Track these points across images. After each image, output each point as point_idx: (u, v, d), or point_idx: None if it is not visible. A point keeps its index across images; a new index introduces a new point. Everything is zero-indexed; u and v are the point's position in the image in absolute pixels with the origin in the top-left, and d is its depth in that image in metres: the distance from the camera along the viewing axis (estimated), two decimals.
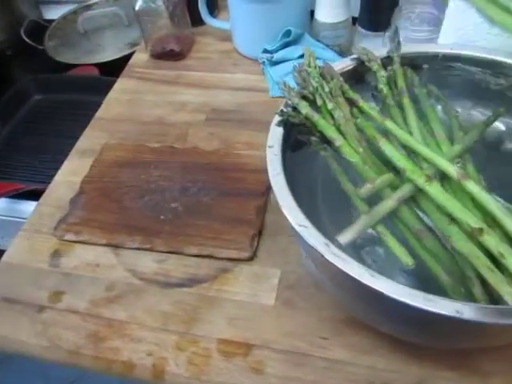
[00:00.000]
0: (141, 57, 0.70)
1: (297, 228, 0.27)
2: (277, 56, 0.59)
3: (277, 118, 0.35)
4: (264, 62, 0.61)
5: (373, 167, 0.32)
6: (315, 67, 0.35)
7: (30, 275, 0.45)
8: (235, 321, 0.40)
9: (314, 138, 0.35)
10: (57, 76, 0.80)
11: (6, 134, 0.75)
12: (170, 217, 0.48)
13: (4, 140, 0.74)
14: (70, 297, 0.43)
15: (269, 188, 0.48)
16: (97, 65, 0.80)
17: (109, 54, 0.81)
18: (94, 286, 0.44)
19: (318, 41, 0.61)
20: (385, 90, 0.37)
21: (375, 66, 0.37)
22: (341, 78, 0.36)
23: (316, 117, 0.34)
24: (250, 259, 0.43)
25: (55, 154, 0.70)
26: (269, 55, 0.60)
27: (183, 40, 0.67)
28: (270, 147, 0.32)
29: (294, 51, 0.59)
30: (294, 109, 0.35)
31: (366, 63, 0.38)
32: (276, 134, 0.34)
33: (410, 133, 0.33)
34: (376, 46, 0.56)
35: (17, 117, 0.78)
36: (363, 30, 0.56)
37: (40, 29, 0.90)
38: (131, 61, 0.69)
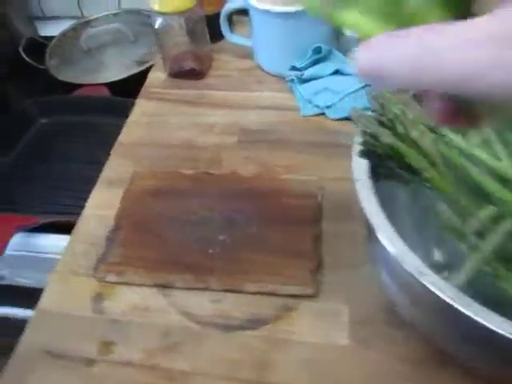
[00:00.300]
0: (157, 76, 0.67)
1: (417, 276, 0.25)
2: (307, 73, 0.57)
3: (358, 148, 0.33)
4: (292, 79, 0.59)
5: (465, 199, 0.30)
6: (391, 93, 0.33)
7: (73, 324, 0.41)
8: (310, 365, 0.37)
9: (397, 169, 0.33)
10: (63, 97, 0.76)
11: (10, 161, 0.70)
12: (219, 251, 0.45)
13: (10, 169, 0.69)
14: (122, 347, 0.40)
15: (319, 215, 0.46)
16: (105, 84, 0.76)
17: (115, 73, 0.78)
18: (146, 333, 0.40)
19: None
20: None
21: None
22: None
23: (402, 146, 0.32)
24: (314, 295, 0.41)
25: (67, 180, 0.67)
26: (298, 73, 0.58)
27: (202, 58, 0.64)
28: (358, 180, 0.30)
29: (324, 68, 0.57)
30: (372, 137, 0.33)
31: None
32: (361, 165, 0.32)
33: (499, 159, 0.32)
34: None
35: (21, 143, 0.73)
36: None
37: (38, 47, 0.85)
38: (148, 81, 0.66)
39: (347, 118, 0.56)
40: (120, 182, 0.52)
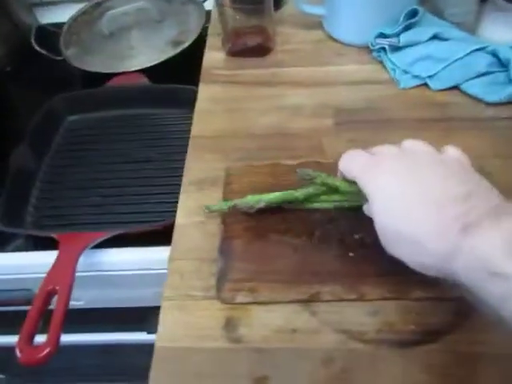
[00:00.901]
0: (214, 56, 0.58)
1: None
2: (403, 40, 0.50)
3: None
4: (382, 48, 0.52)
5: None
6: None
7: (208, 359, 0.34)
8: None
9: None
10: (94, 90, 0.66)
11: (46, 168, 0.60)
12: (361, 252, 0.38)
13: (46, 177, 0.59)
14: (279, 382, 0.33)
15: None
16: (140, 71, 0.66)
17: (150, 57, 0.68)
18: (303, 360, 0.33)
19: (443, 19, 0.52)
20: None
21: None
22: None
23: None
24: None
25: (117, 184, 0.57)
26: (391, 40, 0.51)
27: (268, 31, 0.56)
28: None
29: (422, 33, 0.50)
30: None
31: None
32: None
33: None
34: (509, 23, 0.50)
35: (53, 146, 0.63)
36: (503, 3, 0.49)
37: (47, 36, 0.74)
38: (205, 62, 0.57)
39: (453, 87, 0.50)
40: (212, 181, 0.44)
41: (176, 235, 0.41)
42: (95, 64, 0.69)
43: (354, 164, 0.34)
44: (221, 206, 0.40)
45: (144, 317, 0.54)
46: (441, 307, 0.35)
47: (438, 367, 0.32)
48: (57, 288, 0.42)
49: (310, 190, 0.39)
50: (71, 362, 0.70)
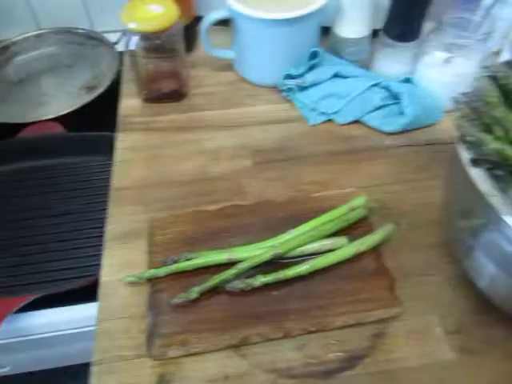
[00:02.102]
0: (131, 103, 0.58)
1: None
2: (308, 80, 0.54)
3: (470, 162, 0.30)
4: (290, 88, 0.56)
5: None
6: (497, 96, 0.32)
7: None
8: None
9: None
10: (6, 142, 0.63)
11: None
12: (286, 289, 0.40)
13: None
14: None
15: (372, 227, 0.44)
16: (55, 119, 0.64)
17: (64, 105, 0.66)
18: None
19: (341, 58, 0.57)
20: None
21: None
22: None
23: (509, 150, 0.30)
24: (400, 314, 0.39)
25: (37, 241, 0.55)
26: (297, 81, 0.55)
27: (181, 76, 0.57)
28: (493, 196, 0.28)
29: (323, 73, 0.55)
30: (475, 144, 0.31)
31: (504, 81, 0.35)
32: (483, 179, 0.29)
33: None
34: (402, 59, 0.56)
35: None
36: (390, 41, 0.55)
37: None
38: (122, 110, 0.57)
39: (356, 121, 0.55)
40: (136, 234, 0.44)
41: (102, 294, 0.41)
42: (5, 113, 0.66)
43: None
44: (140, 275, 0.40)
45: (78, 373, 0.52)
46: (359, 332, 0.38)
47: None
48: None
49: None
50: None
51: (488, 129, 0.32)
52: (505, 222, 0.27)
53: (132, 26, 0.49)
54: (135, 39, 0.51)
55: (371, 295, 0.39)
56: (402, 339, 0.37)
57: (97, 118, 0.63)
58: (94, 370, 0.36)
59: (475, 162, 0.30)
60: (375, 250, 0.42)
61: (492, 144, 0.30)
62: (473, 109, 0.32)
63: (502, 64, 0.36)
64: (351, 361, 0.36)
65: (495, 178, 0.30)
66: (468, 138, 0.30)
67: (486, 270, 0.32)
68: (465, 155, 0.30)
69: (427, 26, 0.53)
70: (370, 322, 0.38)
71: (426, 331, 0.38)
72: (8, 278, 0.52)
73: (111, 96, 0.62)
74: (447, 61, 0.51)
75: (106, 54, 0.73)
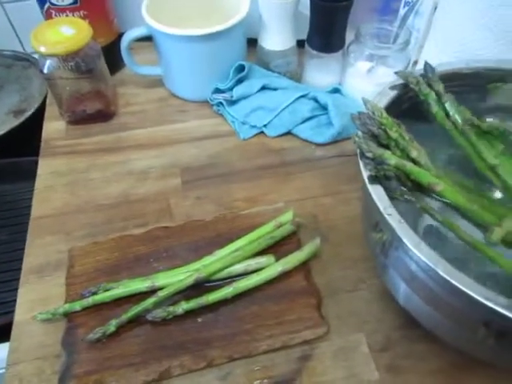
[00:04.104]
0: (54, 126, 0.56)
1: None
2: (236, 94, 0.53)
3: (368, 177, 0.30)
4: (220, 102, 0.55)
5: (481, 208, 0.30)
6: (387, 118, 0.31)
7: None
8: None
9: (402, 189, 0.30)
10: None
11: None
12: (211, 315, 0.38)
13: None
14: None
15: (300, 244, 0.43)
16: None
17: None
18: None
19: (269, 70, 0.57)
20: (449, 119, 0.34)
21: (426, 90, 0.34)
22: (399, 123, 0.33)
23: (408, 165, 0.30)
24: (327, 333, 0.38)
25: None
26: (225, 95, 0.54)
27: (108, 96, 0.55)
28: (389, 215, 0.27)
29: (251, 86, 0.54)
30: (374, 160, 0.31)
31: (413, 86, 0.35)
32: (380, 196, 0.29)
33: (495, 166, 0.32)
34: (329, 69, 0.55)
35: None
36: (315, 52, 0.54)
37: None
38: (44, 134, 0.55)
39: (287, 133, 0.54)
40: (54, 266, 0.42)
41: (14, 334, 0.38)
42: None
43: None
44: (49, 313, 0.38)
45: None
46: (285, 356, 0.37)
47: None
48: None
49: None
50: None
51: (386, 148, 0.31)
52: (401, 239, 0.26)
53: (42, 49, 0.47)
54: (49, 63, 0.49)
55: (297, 316, 0.38)
56: (329, 361, 0.36)
57: (26, 143, 0.60)
58: None
59: (373, 179, 0.29)
60: (304, 266, 0.41)
61: (393, 160, 0.30)
62: (369, 130, 0.31)
63: (415, 71, 0.36)
64: None
65: (390, 193, 0.29)
66: (368, 155, 0.30)
67: (399, 287, 0.31)
68: (364, 172, 0.29)
69: (350, 36, 0.53)
70: (296, 344, 0.37)
71: (353, 350, 0.37)
72: None
73: (40, 119, 0.60)
74: (369, 70, 0.51)
75: (36, 76, 0.70)
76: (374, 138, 0.32)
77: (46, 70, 0.49)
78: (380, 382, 0.35)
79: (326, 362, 0.36)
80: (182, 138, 0.54)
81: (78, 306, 0.38)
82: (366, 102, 0.32)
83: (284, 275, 0.40)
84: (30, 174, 0.59)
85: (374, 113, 0.32)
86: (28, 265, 0.43)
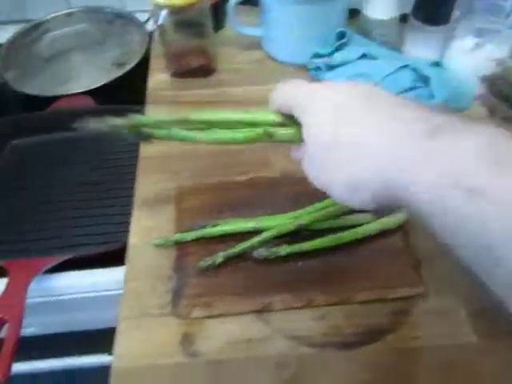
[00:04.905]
0: (159, 77, 0.59)
1: None
2: (336, 59, 0.54)
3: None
4: (318, 67, 0.56)
5: None
6: None
7: (166, 377, 0.35)
8: (451, 371, 0.35)
9: None
10: (38, 113, 0.64)
11: None
12: (310, 260, 0.40)
13: None
14: None
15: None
16: (85, 93, 0.66)
17: (94, 79, 0.67)
18: (258, 368, 0.35)
19: (370, 39, 0.57)
20: None
21: None
22: None
23: None
24: (423, 293, 0.39)
25: (67, 207, 0.57)
26: (325, 60, 0.55)
27: (210, 53, 0.58)
28: None
29: (352, 53, 0.55)
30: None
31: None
32: None
33: None
34: (431, 43, 0.55)
35: None
36: (419, 24, 0.54)
37: None
38: (151, 83, 0.58)
39: None
40: (163, 200, 0.45)
41: (130, 255, 0.42)
42: (37, 87, 0.68)
43: (294, 90, 0.32)
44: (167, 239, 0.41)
45: (104, 339, 0.54)
46: (382, 308, 0.38)
47: (382, 365, 0.35)
48: (6, 317, 0.41)
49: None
50: None
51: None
52: None
53: (160, 0, 0.50)
54: (164, 14, 0.52)
55: (396, 272, 0.39)
56: (425, 319, 0.37)
57: (126, 93, 0.64)
58: (120, 326, 0.37)
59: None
60: (402, 227, 0.42)
61: None
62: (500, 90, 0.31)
63: None
64: (373, 335, 0.37)
65: None
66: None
67: None
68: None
69: (457, 10, 0.52)
70: (393, 299, 0.38)
71: (449, 313, 0.38)
72: (37, 241, 0.53)
73: (140, 73, 0.64)
74: (477, 46, 0.50)
75: (135, 33, 0.74)
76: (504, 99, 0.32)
77: (161, 21, 0.52)
78: (478, 345, 0.36)
79: (422, 319, 0.37)
80: None
81: (189, 236, 0.41)
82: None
83: (382, 234, 0.42)
84: None
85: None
86: (139, 197, 0.46)
